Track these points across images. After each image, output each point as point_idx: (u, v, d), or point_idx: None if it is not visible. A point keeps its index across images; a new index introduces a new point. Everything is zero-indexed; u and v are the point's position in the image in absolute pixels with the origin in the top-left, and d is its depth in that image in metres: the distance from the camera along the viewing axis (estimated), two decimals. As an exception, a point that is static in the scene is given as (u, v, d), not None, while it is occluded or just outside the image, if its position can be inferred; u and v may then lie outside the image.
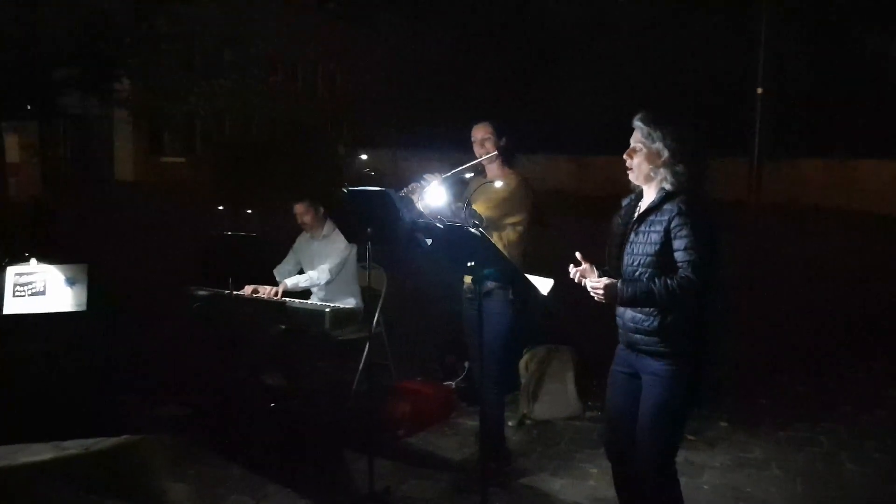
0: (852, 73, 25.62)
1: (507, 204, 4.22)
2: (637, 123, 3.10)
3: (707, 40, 26.54)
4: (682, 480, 4.23)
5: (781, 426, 5.18)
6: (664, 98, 25.21)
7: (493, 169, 4.34)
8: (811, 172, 23.26)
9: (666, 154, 3.03)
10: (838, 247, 13.70)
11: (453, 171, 4.20)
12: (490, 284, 4.06)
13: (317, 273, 5.48)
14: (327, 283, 5.49)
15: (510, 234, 4.23)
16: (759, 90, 9.74)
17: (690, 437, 4.87)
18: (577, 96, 28.29)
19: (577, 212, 17.25)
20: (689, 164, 3.01)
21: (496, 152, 4.27)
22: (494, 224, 4.18)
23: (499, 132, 4.28)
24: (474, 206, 4.18)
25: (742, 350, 6.77)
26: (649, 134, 3.06)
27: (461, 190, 4.32)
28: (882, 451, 4.81)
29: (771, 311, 8.60)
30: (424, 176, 4.12)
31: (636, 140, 3.10)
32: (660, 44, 28.37)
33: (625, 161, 3.15)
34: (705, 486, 4.31)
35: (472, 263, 3.33)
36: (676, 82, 27.02)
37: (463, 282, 4.37)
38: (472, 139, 4.33)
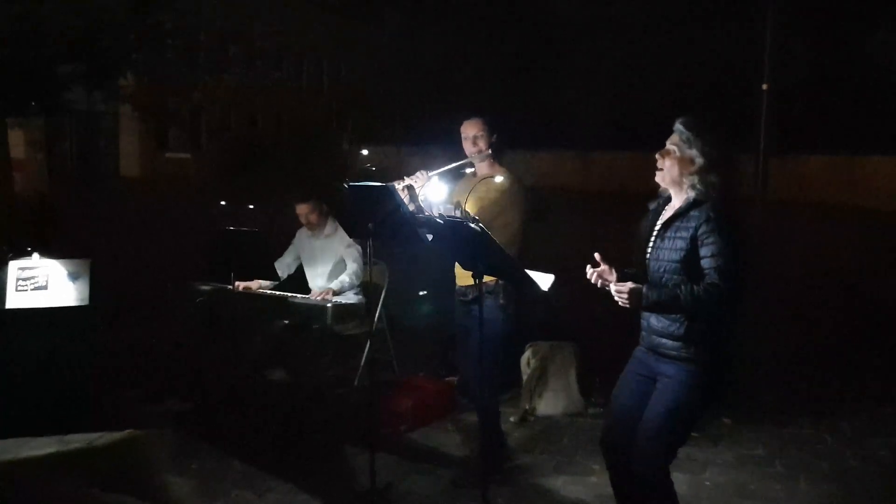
0: (859, 68, 25.51)
1: (498, 204, 4.09)
2: (678, 127, 3.07)
3: (712, 36, 26.45)
4: (685, 477, 4.26)
5: (785, 423, 5.17)
6: (669, 94, 25.12)
7: (483, 167, 4.22)
8: (817, 169, 23.18)
9: (700, 162, 3.00)
10: (844, 243, 13.65)
11: (442, 168, 4.14)
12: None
13: (352, 274, 5.50)
14: (359, 280, 5.52)
15: (499, 235, 3.94)
16: (765, 86, 9.65)
17: (694, 434, 4.85)
18: (583, 92, 28.23)
19: (583, 208, 17.23)
20: (720, 174, 3.00)
21: (489, 150, 4.14)
22: (486, 225, 4.11)
23: (491, 128, 4.17)
24: (467, 206, 4.10)
25: (746, 347, 6.74)
26: (688, 139, 3.03)
27: (450, 186, 4.26)
28: (886, 449, 4.79)
29: (776, 307, 8.56)
30: (414, 175, 4.06)
31: (672, 142, 3.08)
32: (665, 39, 28.29)
33: (656, 160, 3.12)
34: (707, 483, 4.29)
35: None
36: (682, 78, 26.94)
37: (455, 285, 4.30)
38: (463, 136, 4.19)
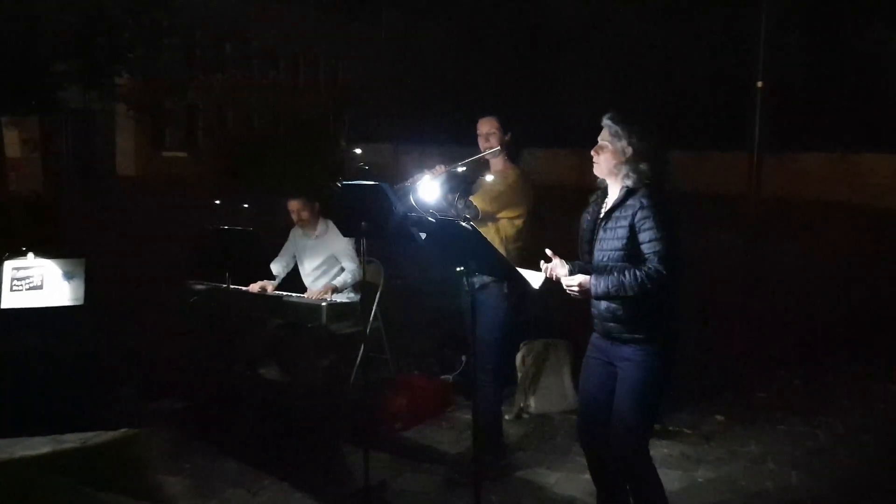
0: (853, 65, 25.55)
1: (504, 198, 4.21)
2: (606, 122, 3.26)
3: (707, 34, 26.49)
4: (678, 474, 4.28)
5: (778, 420, 5.19)
6: (664, 91, 25.17)
7: (496, 163, 4.34)
8: (812, 166, 23.21)
9: (630, 152, 3.17)
10: (839, 240, 13.68)
11: (458, 163, 4.22)
12: (486, 279, 4.07)
13: (350, 273, 5.50)
14: (359, 277, 5.44)
15: (508, 228, 4.22)
16: (759, 83, 9.70)
17: (687, 431, 4.89)
18: (578, 89, 28.23)
19: (579, 206, 17.23)
20: (651, 162, 3.16)
21: (499, 147, 4.26)
22: (491, 217, 4.18)
23: (504, 127, 4.29)
24: (473, 197, 4.17)
25: (739, 343, 6.77)
26: (617, 132, 3.20)
27: (460, 185, 4.31)
28: (878, 446, 4.81)
29: (770, 304, 8.60)
30: (435, 167, 4.13)
31: (603, 138, 3.25)
32: (661, 37, 28.31)
33: (592, 157, 3.29)
34: (700, 480, 4.31)
35: (461, 268, 3.39)
36: (677, 76, 26.98)
37: (464, 274, 4.35)
38: (478, 133, 4.33)
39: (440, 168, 4.15)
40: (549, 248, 3.27)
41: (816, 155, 23.39)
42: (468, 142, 4.44)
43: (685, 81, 26.55)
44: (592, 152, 3.27)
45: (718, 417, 5.17)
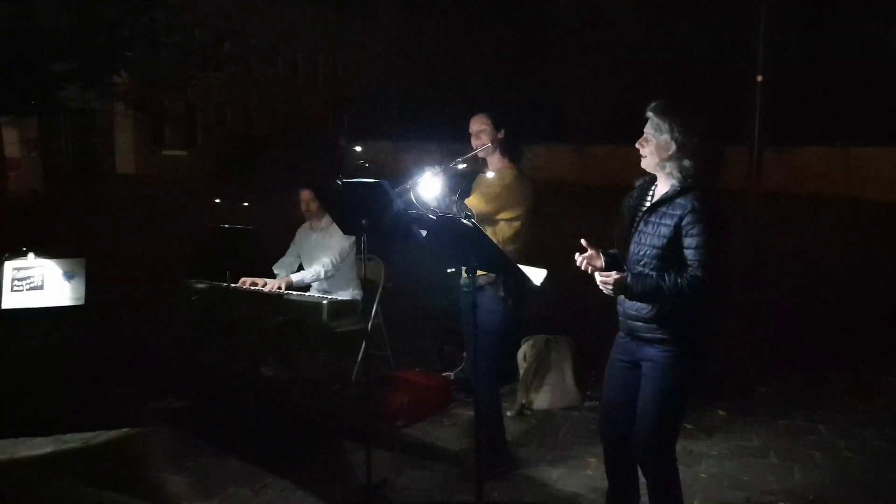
0: (853, 60, 25.54)
1: (501, 199, 4.15)
2: (649, 113, 3.08)
3: (706, 28, 26.47)
4: (680, 469, 4.25)
5: (779, 414, 5.19)
6: (663, 86, 25.14)
7: (493, 162, 4.29)
8: (812, 160, 23.20)
9: (673, 148, 3.00)
10: (839, 235, 13.67)
11: (452, 163, 4.18)
12: (482, 281, 4.06)
13: (320, 267, 5.45)
14: (328, 275, 5.47)
15: (505, 229, 4.15)
16: (759, 78, 9.68)
17: (688, 426, 4.88)
18: (578, 84, 28.24)
19: (579, 202, 17.22)
20: (695, 160, 2.98)
21: (490, 144, 4.21)
22: (489, 219, 4.13)
23: (496, 124, 4.22)
24: (469, 199, 4.15)
25: (741, 339, 6.76)
26: (658, 125, 3.03)
27: (459, 183, 4.29)
28: (880, 439, 4.81)
29: (770, 299, 8.59)
30: (427, 169, 4.10)
31: (647, 130, 3.08)
32: (660, 32, 28.29)
33: (638, 149, 3.13)
34: (703, 475, 4.31)
35: (452, 269, 3.31)
36: (676, 70, 26.96)
37: (460, 274, 4.33)
38: (470, 131, 4.28)
39: (435, 170, 4.10)
40: (584, 239, 3.11)
41: (816, 149, 23.39)
42: (468, 138, 4.42)
43: (685, 76, 26.52)
44: (637, 144, 3.10)
45: (720, 412, 5.18)
